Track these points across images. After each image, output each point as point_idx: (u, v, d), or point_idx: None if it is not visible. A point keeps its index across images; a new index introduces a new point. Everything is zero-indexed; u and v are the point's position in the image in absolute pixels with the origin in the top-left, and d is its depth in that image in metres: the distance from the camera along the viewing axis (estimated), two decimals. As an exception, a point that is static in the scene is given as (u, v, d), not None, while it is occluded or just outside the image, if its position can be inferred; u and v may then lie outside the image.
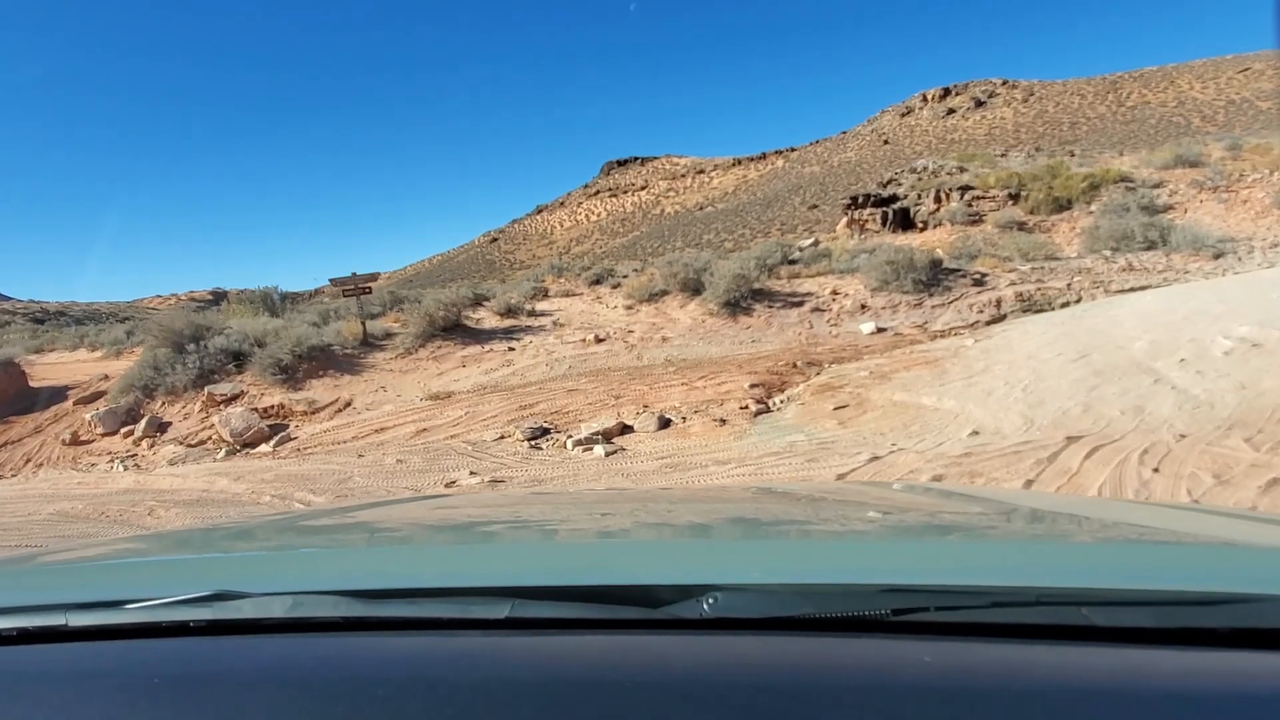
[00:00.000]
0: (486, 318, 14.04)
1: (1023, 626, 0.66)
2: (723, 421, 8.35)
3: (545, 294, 15.85)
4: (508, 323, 13.70)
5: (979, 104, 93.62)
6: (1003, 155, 39.56)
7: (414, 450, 8.57)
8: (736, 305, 12.97)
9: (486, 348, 12.28)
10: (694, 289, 13.90)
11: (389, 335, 12.81)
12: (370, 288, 12.71)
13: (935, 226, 23.66)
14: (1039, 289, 12.73)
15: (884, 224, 28.92)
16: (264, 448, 9.44)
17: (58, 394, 14.79)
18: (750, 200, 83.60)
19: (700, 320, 13.00)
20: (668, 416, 8.72)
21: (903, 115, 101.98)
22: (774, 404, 9.03)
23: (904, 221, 29.55)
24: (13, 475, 9.81)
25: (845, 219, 28.19)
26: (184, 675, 0.65)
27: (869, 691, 0.58)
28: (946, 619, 0.68)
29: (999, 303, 12.48)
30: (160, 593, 0.78)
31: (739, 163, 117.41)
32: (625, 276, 16.95)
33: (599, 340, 12.22)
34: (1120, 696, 0.56)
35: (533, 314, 14.17)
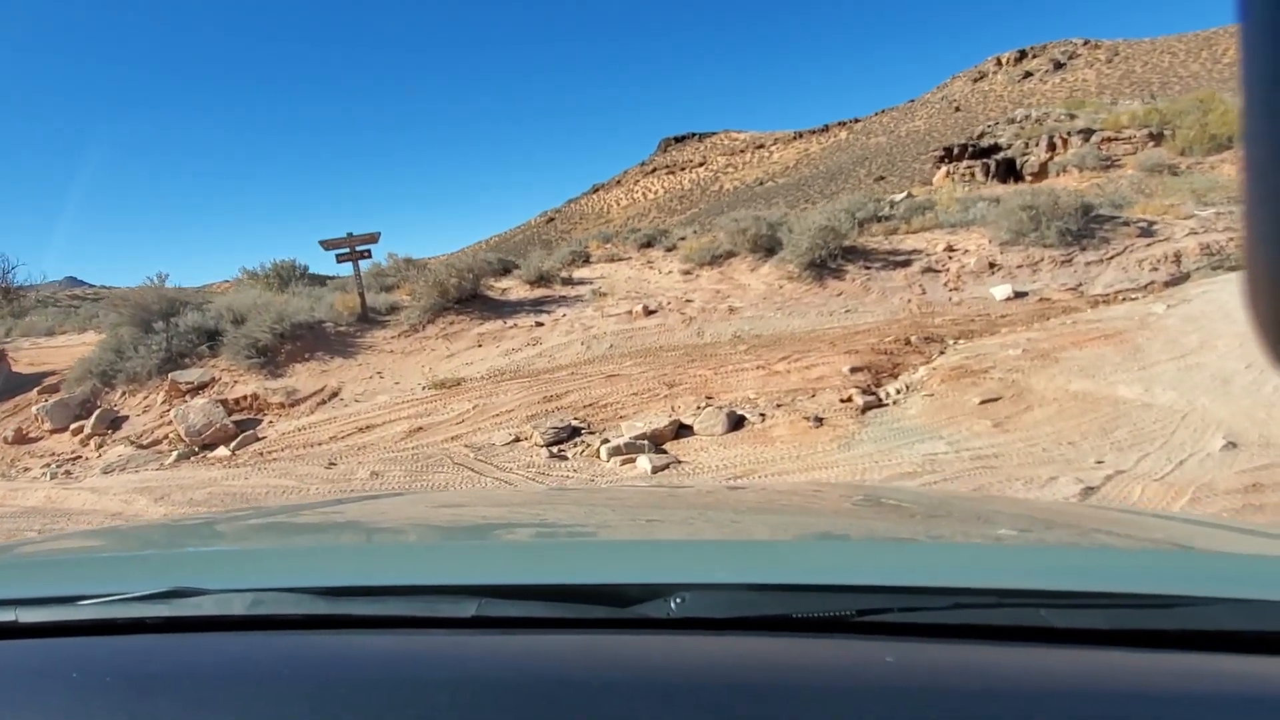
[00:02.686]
0: (513, 288, 12.18)
1: (983, 627, 0.69)
2: (818, 421, 6.23)
3: (587, 259, 13.89)
4: (538, 293, 11.81)
5: (1058, 66, 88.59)
6: (1113, 103, 36.16)
7: (399, 457, 6.75)
8: (823, 267, 10.74)
9: (509, 323, 10.42)
10: (767, 248, 11.72)
11: (394, 309, 11.09)
12: (369, 251, 10.99)
13: (1059, 174, 20.64)
14: (1232, 239, 10.05)
15: (987, 175, 26.00)
16: (222, 450, 7.80)
17: (40, 381, 13.64)
18: (813, 174, 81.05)
19: (777, 286, 10.82)
20: (740, 412, 6.65)
21: (975, 80, 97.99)
22: (887, 395, 6.85)
23: (1009, 172, 26.58)
24: (-68, 483, 8.44)
25: (942, 171, 25.33)
26: (140, 673, 0.65)
27: (832, 691, 0.59)
28: (909, 619, 0.70)
29: (1178, 257, 9.90)
30: (116, 589, 0.77)
31: (800, 136, 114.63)
32: (682, 238, 14.83)
33: (649, 312, 10.20)
34: (1074, 696, 0.58)
35: (568, 282, 12.24)
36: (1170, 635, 0.67)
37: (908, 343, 8.31)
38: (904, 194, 19.85)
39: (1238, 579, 0.88)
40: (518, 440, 6.86)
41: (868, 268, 10.84)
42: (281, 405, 8.84)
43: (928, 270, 10.58)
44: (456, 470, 6.27)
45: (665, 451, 6.16)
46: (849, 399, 6.69)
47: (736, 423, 6.53)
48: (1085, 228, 10.54)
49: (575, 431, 6.91)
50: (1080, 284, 9.67)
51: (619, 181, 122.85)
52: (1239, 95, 0.38)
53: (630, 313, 10.29)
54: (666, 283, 11.85)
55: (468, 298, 10.81)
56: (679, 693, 0.59)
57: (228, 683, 0.62)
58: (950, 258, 10.88)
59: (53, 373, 14.18)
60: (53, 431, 9.42)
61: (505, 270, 13.29)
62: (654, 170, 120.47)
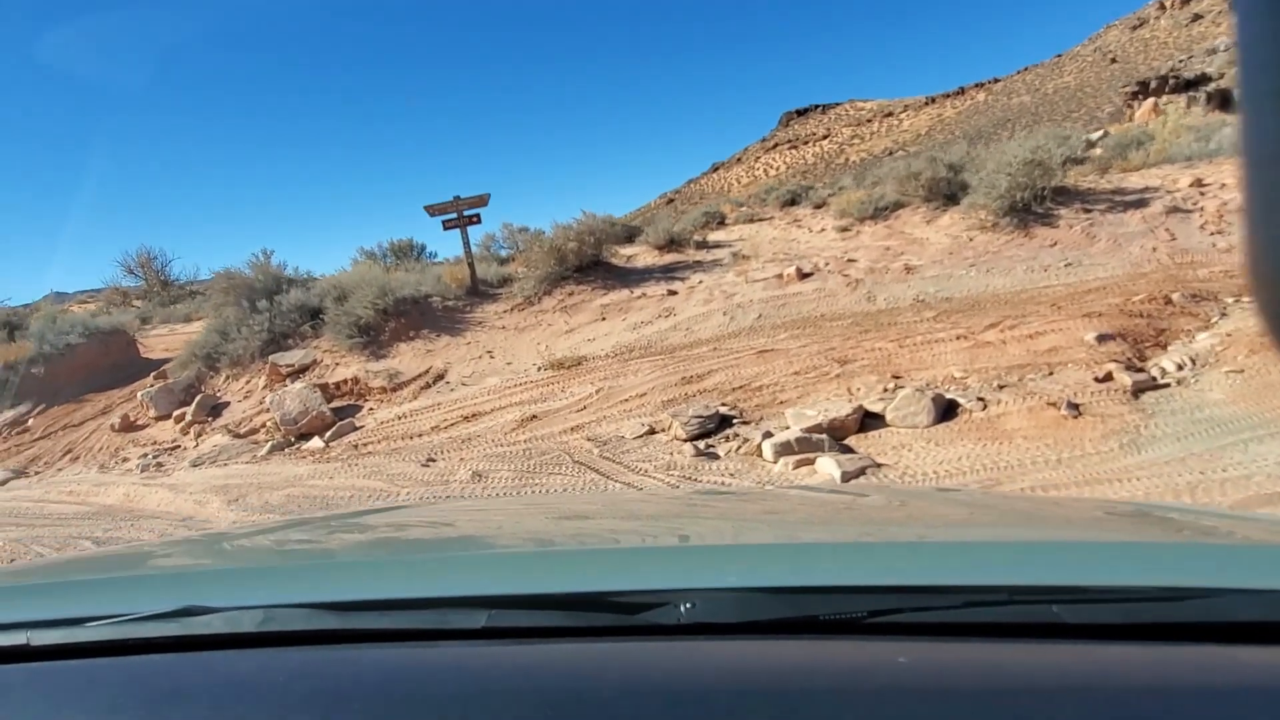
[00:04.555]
0: (639, 254, 11.00)
1: (996, 625, 0.69)
2: (1073, 408, 4.60)
3: (721, 221, 12.52)
4: (669, 258, 10.56)
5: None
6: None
7: (509, 453, 5.69)
8: (1027, 212, 8.83)
9: (637, 292, 9.23)
10: (947, 195, 9.87)
11: (506, 282, 10.18)
12: (478, 215, 10.08)
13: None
14: None
15: (1194, 108, 22.35)
16: (316, 442, 7.08)
17: (161, 366, 13.87)
18: (947, 140, 75.94)
19: (965, 239, 9.01)
20: (947, 395, 5.11)
21: (1134, 28, 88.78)
22: (1162, 371, 5.08)
23: (1224, 102, 22.79)
24: (36, 474, 8.31)
25: (1148, 103, 21.98)
26: (151, 692, 0.67)
27: (845, 693, 0.60)
28: (921, 619, 0.71)
29: None
30: (126, 609, 0.79)
31: (932, 101, 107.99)
32: (830, 194, 13.11)
33: (803, 275, 8.70)
34: (1089, 691, 0.58)
35: (703, 245, 10.93)
36: (1184, 628, 0.67)
37: (1168, 301, 6.39)
38: (1100, 131, 17.03)
39: (1252, 569, 0.88)
40: (653, 432, 5.63)
41: (1087, 211, 8.80)
42: (383, 390, 8.07)
43: (1174, 211, 8.41)
44: (577, 471, 5.13)
45: (852, 450, 4.73)
46: (1108, 377, 4.98)
47: (945, 410, 4.99)
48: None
49: (725, 421, 5.61)
50: None
51: (739, 159, 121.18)
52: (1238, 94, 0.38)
53: (781, 277, 8.82)
54: (820, 242, 10.26)
55: (589, 265, 9.71)
56: (690, 698, 0.59)
57: (240, 700, 0.63)
58: (1202, 194, 8.65)
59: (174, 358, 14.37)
60: (157, 419, 9.16)
61: (629, 237, 12.13)
62: (775, 145, 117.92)
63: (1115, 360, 5.25)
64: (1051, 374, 5.25)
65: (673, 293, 9.01)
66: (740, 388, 6.24)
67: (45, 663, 0.74)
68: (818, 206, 12.08)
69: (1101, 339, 5.65)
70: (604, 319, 8.72)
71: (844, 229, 10.36)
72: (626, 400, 6.41)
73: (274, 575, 1.11)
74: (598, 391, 6.71)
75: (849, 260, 9.08)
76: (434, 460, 5.84)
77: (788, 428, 5.15)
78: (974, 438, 4.60)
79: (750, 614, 0.71)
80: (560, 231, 9.66)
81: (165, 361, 13.91)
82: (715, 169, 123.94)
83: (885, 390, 5.53)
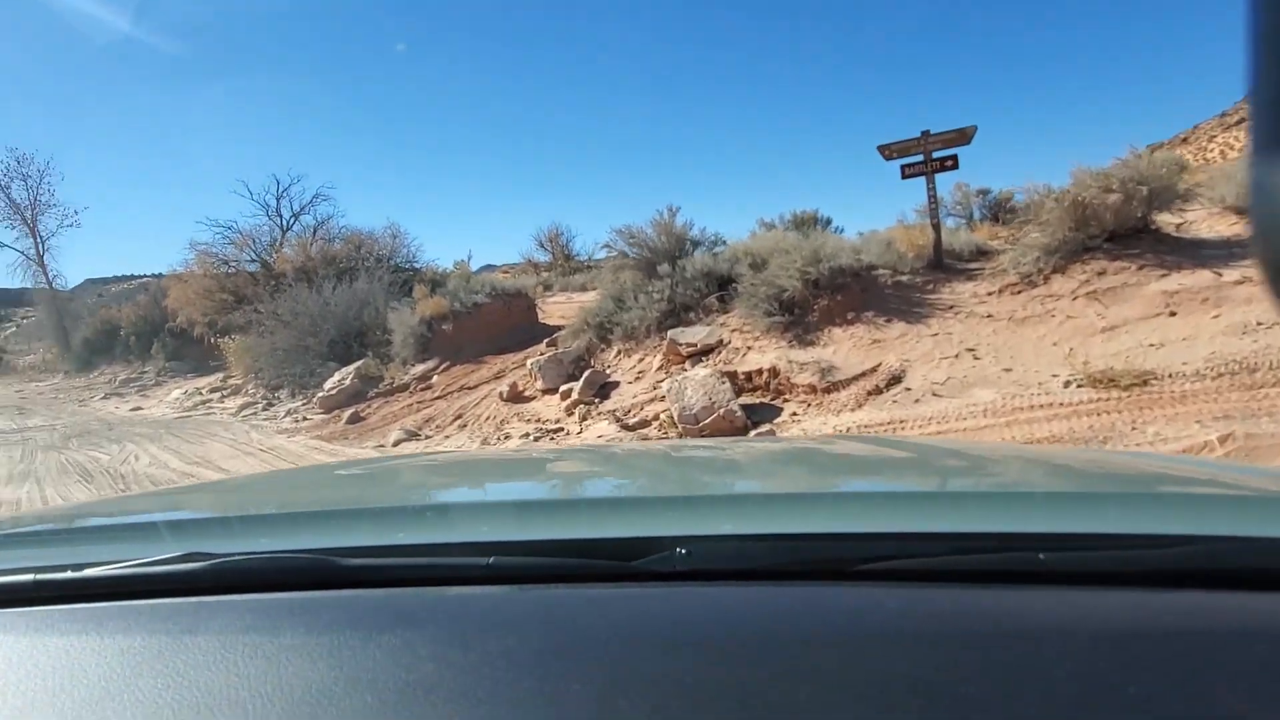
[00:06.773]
0: (1199, 221, 7.48)
1: (984, 572, 0.72)
2: None
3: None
4: (1263, 227, 6.91)
5: None
6: None
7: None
8: None
9: (1226, 275, 5.91)
10: None
11: (981, 254, 7.52)
12: (955, 159, 7.53)
13: None
14: None
15: None
16: (723, 453, 5.23)
17: (554, 333, 13.84)
18: None
19: None
20: None
21: None
22: None
23: None
24: (426, 438, 7.93)
25: None
26: (154, 637, 0.69)
27: (835, 638, 0.62)
28: (910, 565, 0.73)
29: None
30: (130, 554, 0.81)
31: None
32: None
33: None
34: (1074, 636, 0.60)
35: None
36: (1169, 574, 0.69)
37: None
38: None
39: (1237, 517, 0.91)
40: None
41: None
42: (810, 389, 6.06)
43: None
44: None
45: None
46: None
47: None
48: None
49: None
50: None
51: (1185, 139, 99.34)
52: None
53: None
54: None
55: (1127, 232, 6.60)
56: (685, 640, 0.62)
57: (240, 645, 0.64)
58: None
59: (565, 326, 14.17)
60: (544, 391, 8.39)
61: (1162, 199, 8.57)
62: (1240, 121, 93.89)
63: None
64: None
65: (1307, 278, 5.55)
66: None
67: (50, 606, 0.76)
68: None
69: None
70: (1172, 313, 5.63)
71: None
72: (1298, 465, 3.46)
73: (278, 522, 1.14)
74: (1220, 441, 3.83)
75: None
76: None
77: None
78: None
79: (743, 561, 0.74)
80: (1088, 179, 6.68)
81: (558, 329, 13.72)
82: (1152, 151, 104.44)
83: None
